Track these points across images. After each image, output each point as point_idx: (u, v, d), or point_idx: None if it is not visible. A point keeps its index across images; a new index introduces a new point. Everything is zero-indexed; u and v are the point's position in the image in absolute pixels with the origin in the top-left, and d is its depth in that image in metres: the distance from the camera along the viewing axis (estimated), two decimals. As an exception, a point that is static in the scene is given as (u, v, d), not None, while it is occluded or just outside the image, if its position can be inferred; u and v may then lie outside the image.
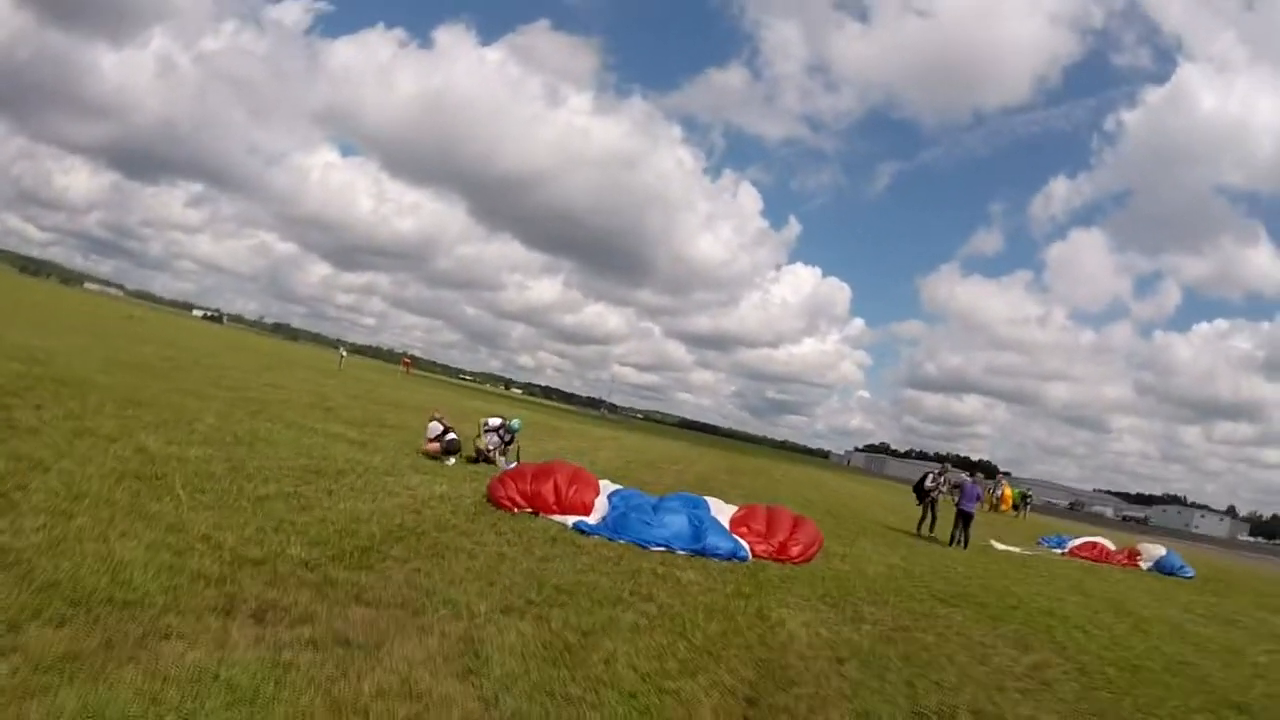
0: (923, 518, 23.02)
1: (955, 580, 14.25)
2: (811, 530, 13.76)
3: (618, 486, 14.50)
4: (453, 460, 15.90)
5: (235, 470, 10.07)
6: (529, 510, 11.61)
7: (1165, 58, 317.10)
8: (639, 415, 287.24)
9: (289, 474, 10.70)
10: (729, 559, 11.54)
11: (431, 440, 16.15)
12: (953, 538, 21.32)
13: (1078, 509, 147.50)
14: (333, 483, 10.78)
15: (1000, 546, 23.47)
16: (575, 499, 11.82)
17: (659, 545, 11.16)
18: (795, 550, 12.78)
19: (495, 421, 17.65)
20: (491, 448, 17.11)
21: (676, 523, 11.79)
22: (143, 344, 32.43)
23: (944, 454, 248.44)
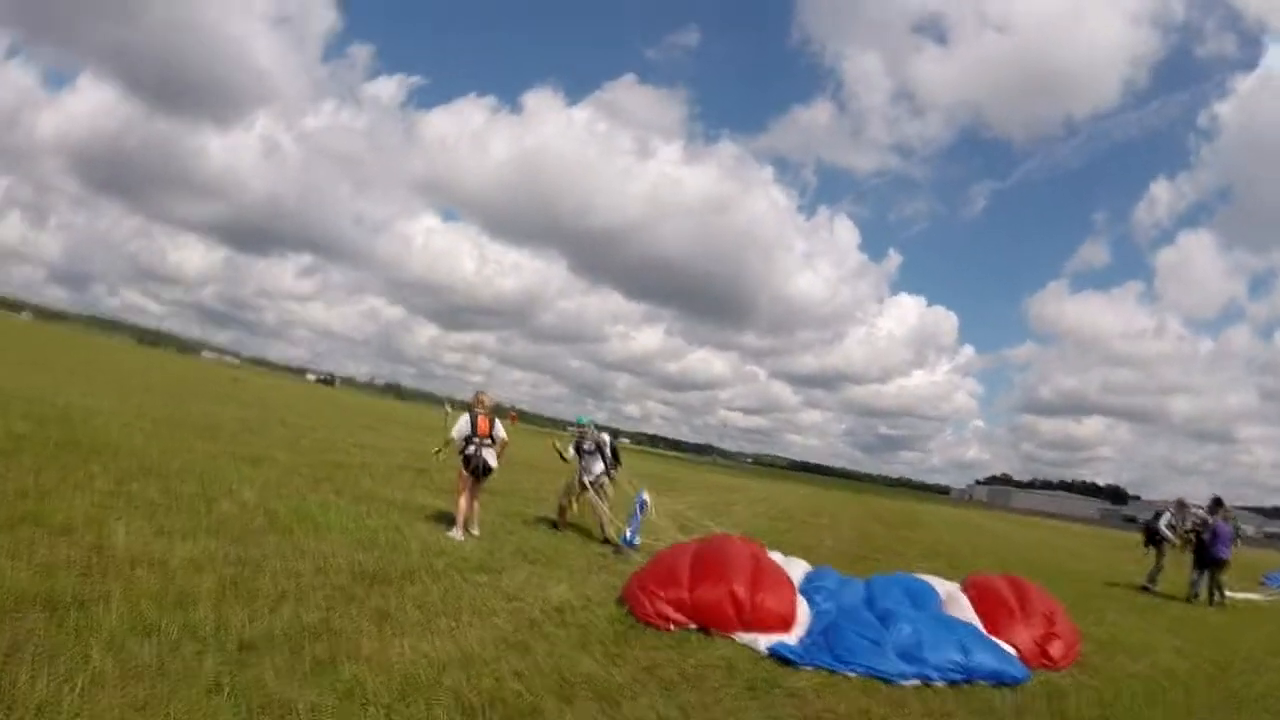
0: (1157, 567, 17.83)
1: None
2: (1061, 612, 9.23)
3: (801, 563, 10.31)
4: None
5: (231, 585, 6.27)
6: (692, 626, 7.49)
7: (1251, 43, 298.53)
8: (749, 459, 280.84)
9: (323, 584, 6.87)
10: (998, 684, 7.24)
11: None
12: (1194, 592, 16.64)
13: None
14: (392, 597, 6.88)
15: (1236, 596, 17.98)
16: (765, 607, 7.57)
17: (908, 677, 6.90)
18: (1056, 649, 8.38)
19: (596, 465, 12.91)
20: (597, 474, 12.74)
21: (922, 636, 7.46)
22: (226, 405, 29.84)
23: (1068, 481, 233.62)
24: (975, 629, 8.07)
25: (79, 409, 16.53)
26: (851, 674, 6.85)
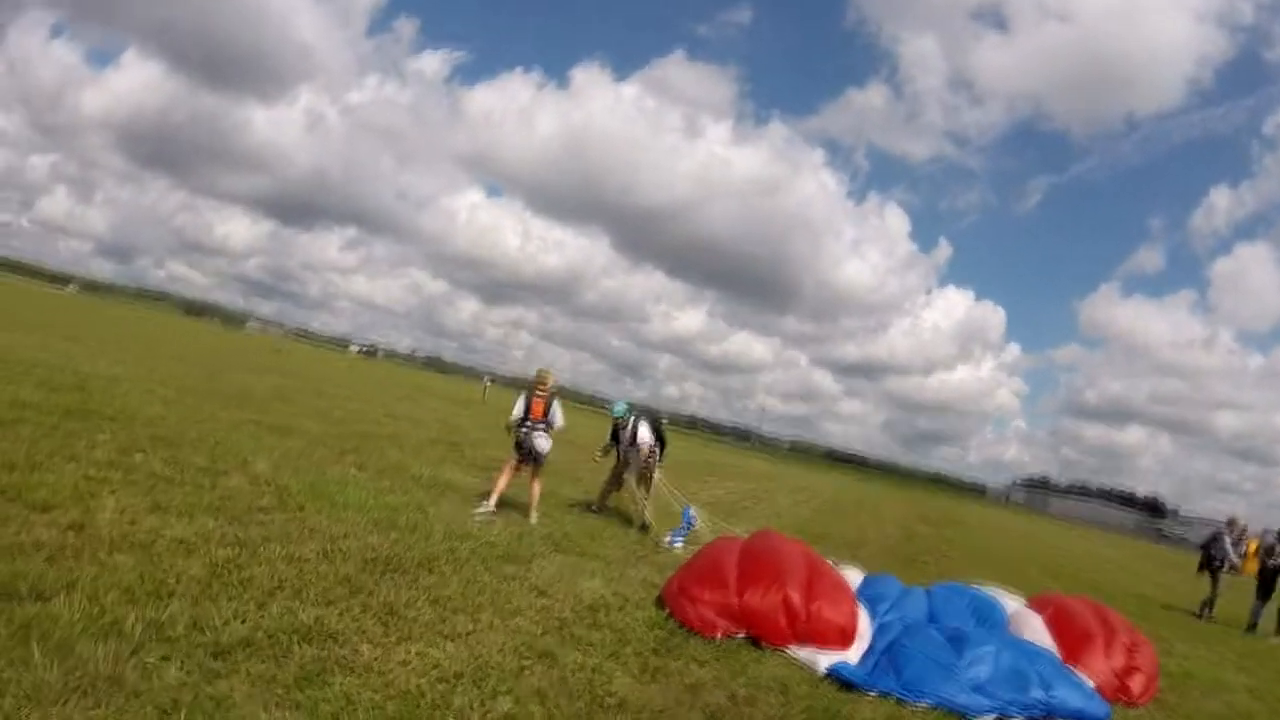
0: (1213, 594, 16.45)
1: None
2: (1145, 644, 8.19)
3: (854, 570, 9.38)
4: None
5: (220, 573, 5.51)
6: (741, 635, 6.62)
7: None
8: (786, 445, 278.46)
9: (327, 572, 6.09)
10: None
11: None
12: (1254, 622, 15.25)
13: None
14: (404, 589, 6.07)
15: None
16: (823, 617, 6.65)
17: (985, 712, 5.98)
18: (1137, 684, 7.42)
19: (646, 435, 11.98)
20: (647, 457, 11.87)
21: (998, 665, 6.50)
22: (263, 374, 29.44)
23: (1106, 488, 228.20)
24: (1055, 659, 7.09)
25: (101, 377, 15.99)
26: (921, 705, 5.95)
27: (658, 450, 11.94)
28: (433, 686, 4.41)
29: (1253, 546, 16.82)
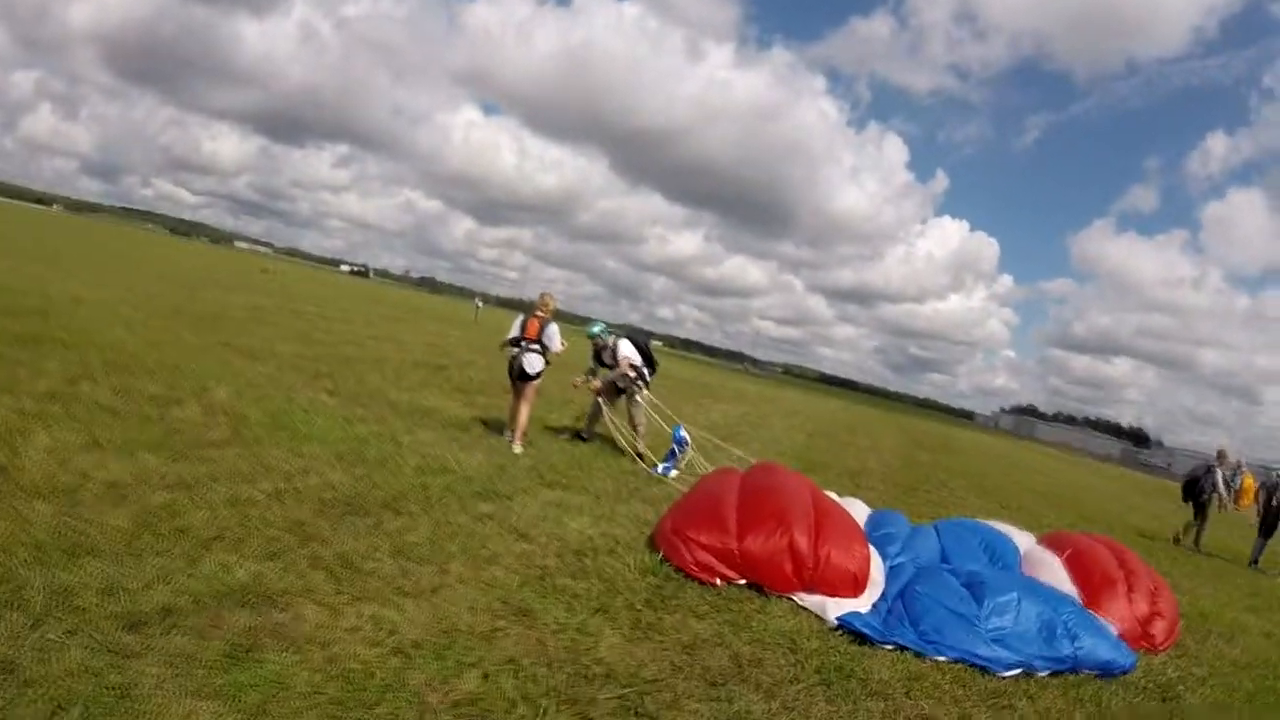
0: (1198, 526, 16.03)
1: None
2: (1165, 587, 7.63)
3: (859, 504, 8.78)
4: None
5: (151, 522, 4.83)
6: (741, 582, 5.99)
7: None
8: (779, 369, 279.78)
9: (277, 517, 5.41)
10: (1106, 675, 5.75)
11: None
12: (1256, 558, 14.89)
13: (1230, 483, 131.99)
14: (364, 536, 5.41)
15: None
16: (832, 563, 6.00)
17: (1009, 665, 5.40)
18: (1160, 630, 6.84)
19: (627, 350, 11.17)
20: (632, 378, 11.13)
21: (1021, 614, 5.90)
22: (244, 294, 28.52)
23: (1092, 418, 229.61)
24: (1079, 607, 6.50)
25: (68, 300, 15.15)
26: (940, 658, 5.36)
27: (645, 371, 11.22)
28: (385, 661, 3.75)
29: (1249, 483, 16.36)
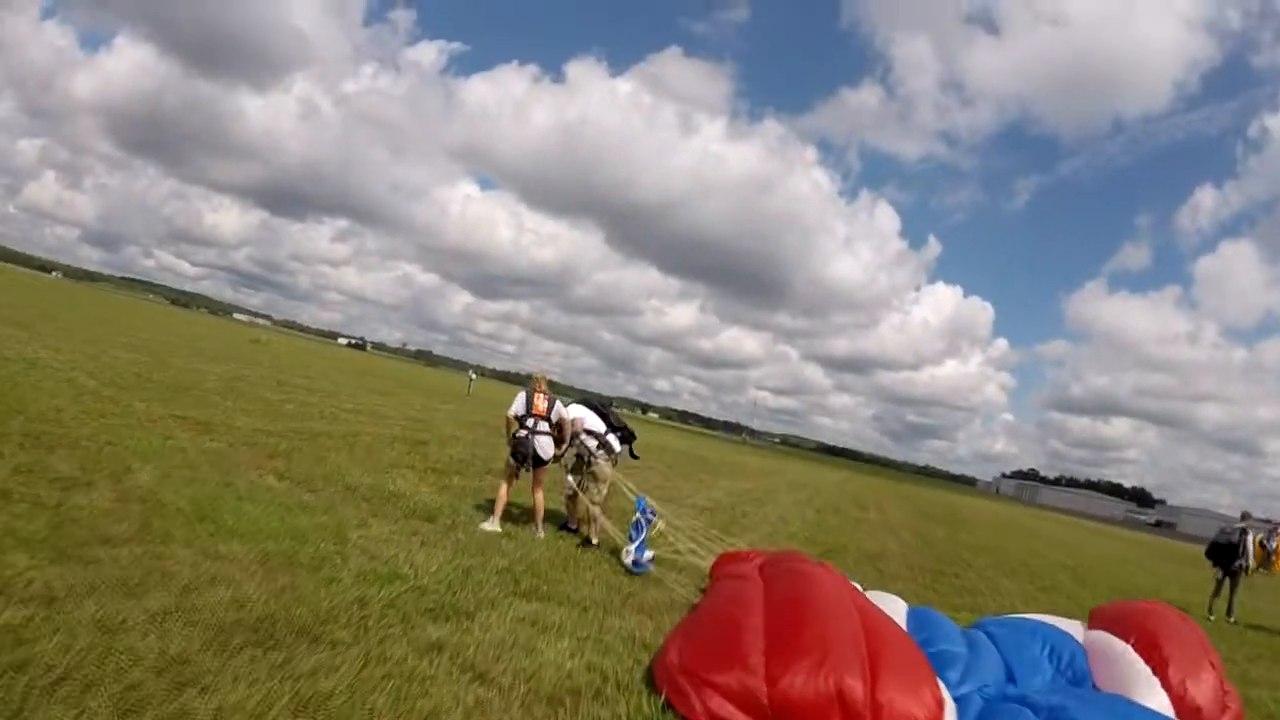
0: (1231, 594, 14.74)
1: None
2: (1218, 662, 6.23)
3: (896, 601, 7.31)
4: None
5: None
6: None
7: None
8: (777, 439, 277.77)
9: (152, 648, 4.02)
10: None
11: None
12: None
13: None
14: (265, 678, 3.99)
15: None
16: (898, 712, 4.53)
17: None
18: None
19: (579, 413, 9.69)
20: (594, 453, 9.59)
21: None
22: (225, 364, 27.19)
23: (1094, 480, 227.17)
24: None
25: (22, 362, 13.96)
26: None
27: (610, 440, 9.71)
28: None
29: None
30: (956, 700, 5.29)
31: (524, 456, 8.86)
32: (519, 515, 9.72)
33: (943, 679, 5.47)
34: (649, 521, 8.59)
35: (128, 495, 6.92)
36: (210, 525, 6.44)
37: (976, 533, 27.32)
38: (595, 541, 9.13)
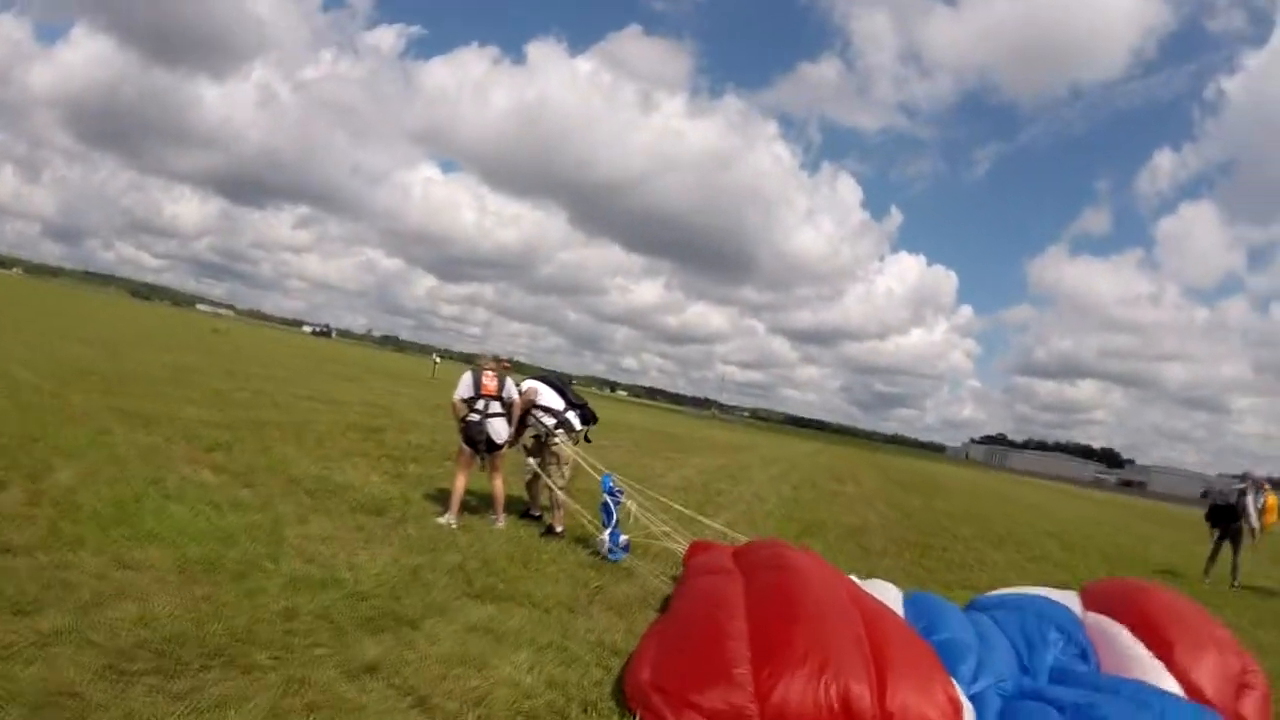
0: (1234, 557, 14.27)
1: None
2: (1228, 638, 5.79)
3: (889, 588, 6.73)
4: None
5: None
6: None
7: (1261, 20, 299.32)
8: (745, 413, 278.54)
9: (31, 678, 3.39)
10: None
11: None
12: None
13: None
14: (161, 713, 3.35)
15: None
16: (908, 716, 3.95)
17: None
18: (1251, 701, 5.08)
19: (531, 386, 8.82)
20: (549, 431, 8.73)
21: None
22: (178, 354, 26.18)
23: (1063, 443, 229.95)
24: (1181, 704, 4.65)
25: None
26: None
27: (569, 417, 8.87)
28: None
29: (1273, 501, 14.75)
30: (971, 699, 4.76)
31: (477, 442, 8.16)
32: (478, 504, 9.02)
33: (954, 675, 4.94)
34: (617, 502, 7.98)
35: (40, 497, 6.22)
36: (127, 529, 5.74)
37: (954, 501, 27.04)
38: (560, 529, 8.50)
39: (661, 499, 9.30)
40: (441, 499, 8.77)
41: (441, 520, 7.94)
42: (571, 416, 8.92)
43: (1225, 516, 14.43)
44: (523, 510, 9.20)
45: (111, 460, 7.97)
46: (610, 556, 7.63)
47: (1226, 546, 14.31)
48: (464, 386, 8.21)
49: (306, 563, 5.78)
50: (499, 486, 8.45)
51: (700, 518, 9.71)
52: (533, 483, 9.04)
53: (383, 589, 5.48)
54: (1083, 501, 51.04)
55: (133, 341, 28.56)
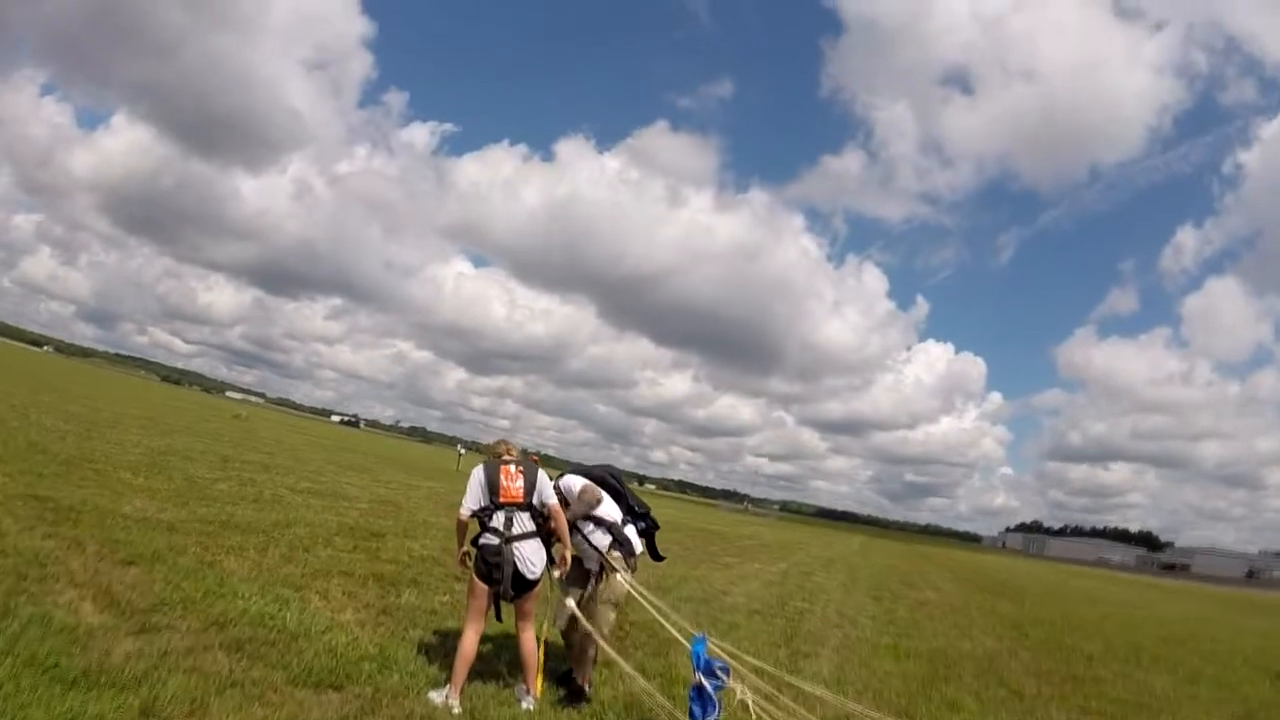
0: None
1: None
2: None
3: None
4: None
5: None
6: None
7: (1271, 89, 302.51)
8: (776, 506, 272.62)
9: None
10: None
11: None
12: None
13: (1258, 576, 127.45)
14: None
15: None
16: None
17: None
18: None
19: (577, 484, 5.91)
20: (606, 556, 5.77)
21: None
22: (171, 437, 23.53)
23: (1099, 528, 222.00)
24: None
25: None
26: None
27: (629, 535, 5.96)
28: None
29: None
30: None
31: (498, 580, 5.20)
32: (495, 667, 6.06)
33: None
34: (718, 684, 4.84)
35: None
36: None
37: (1047, 606, 23.40)
38: (588, 690, 5.63)
39: (755, 661, 5.95)
40: (440, 656, 5.84)
41: (437, 699, 4.99)
42: (630, 532, 5.99)
43: None
44: (562, 674, 5.94)
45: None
46: None
47: None
48: (474, 492, 5.30)
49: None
50: (530, 646, 5.44)
51: (801, 684, 6.62)
52: (572, 630, 5.86)
53: None
54: (1158, 592, 47.08)
55: (127, 421, 25.94)
